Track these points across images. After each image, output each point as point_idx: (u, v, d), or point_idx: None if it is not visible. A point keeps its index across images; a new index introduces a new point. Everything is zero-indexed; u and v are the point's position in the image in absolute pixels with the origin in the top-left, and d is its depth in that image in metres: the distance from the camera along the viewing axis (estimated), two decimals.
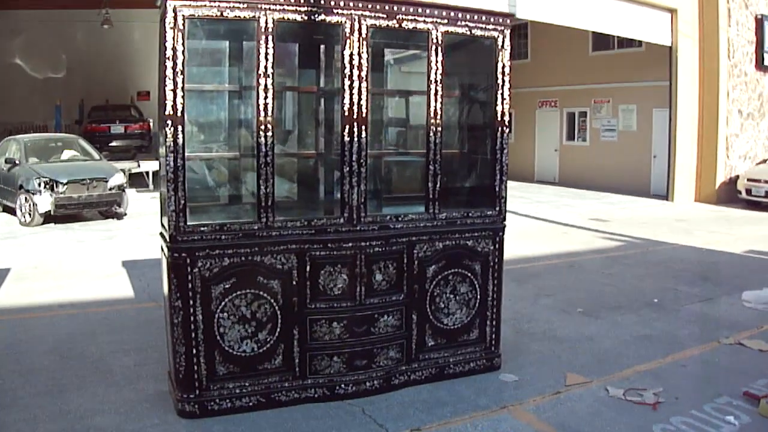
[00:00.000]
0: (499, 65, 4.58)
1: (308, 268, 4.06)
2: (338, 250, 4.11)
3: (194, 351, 3.86)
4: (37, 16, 18.80)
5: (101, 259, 8.90)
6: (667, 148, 16.69)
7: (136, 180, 15.87)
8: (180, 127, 3.67)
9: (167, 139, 3.67)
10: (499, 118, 4.63)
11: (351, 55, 4.04)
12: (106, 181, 11.63)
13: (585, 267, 9.05)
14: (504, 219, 4.79)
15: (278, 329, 4.05)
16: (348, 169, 4.13)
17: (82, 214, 12.33)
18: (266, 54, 3.81)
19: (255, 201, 3.97)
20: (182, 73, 3.64)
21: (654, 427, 4.13)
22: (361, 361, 4.29)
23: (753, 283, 7.85)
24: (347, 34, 4.02)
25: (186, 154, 3.73)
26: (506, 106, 4.64)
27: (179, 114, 3.66)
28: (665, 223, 13.29)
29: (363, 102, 4.11)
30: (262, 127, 3.85)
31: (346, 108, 4.07)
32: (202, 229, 3.81)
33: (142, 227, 11.50)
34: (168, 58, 3.61)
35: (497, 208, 4.74)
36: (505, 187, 4.75)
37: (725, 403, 4.43)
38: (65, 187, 11.19)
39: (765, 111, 17.58)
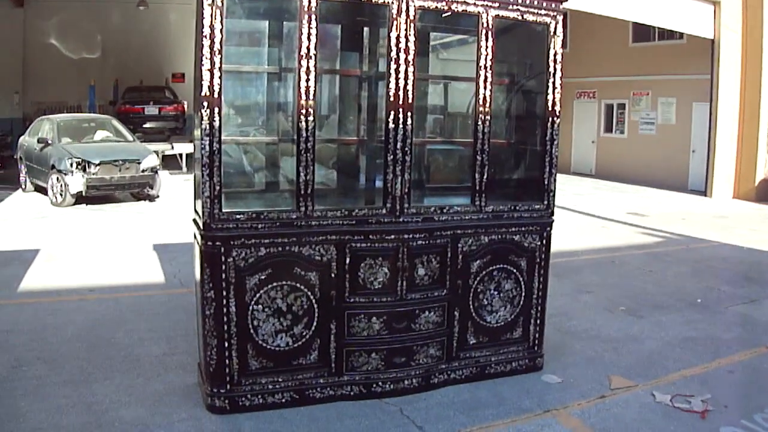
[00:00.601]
0: (551, 52, 4.34)
1: (348, 261, 3.87)
2: (380, 243, 3.92)
3: (226, 344, 3.70)
4: None
5: (132, 242, 8.81)
6: (707, 142, 16.19)
7: (170, 162, 15.84)
8: (217, 109, 3.49)
9: (203, 122, 3.49)
10: (549, 108, 4.39)
11: (398, 37, 3.82)
12: (139, 163, 11.56)
13: (626, 263, 8.76)
14: (552, 214, 4.56)
15: (315, 323, 3.88)
16: (392, 157, 3.92)
17: (114, 196, 12.30)
18: (308, 34, 3.60)
19: (293, 189, 3.78)
20: (220, 52, 3.45)
21: None
22: (399, 359, 4.10)
23: None
24: (394, 15, 3.80)
25: (222, 137, 3.54)
26: (557, 96, 4.39)
27: (216, 95, 3.48)
28: (704, 219, 12.90)
29: (409, 87, 3.89)
30: (303, 111, 3.66)
31: (391, 93, 3.86)
32: (237, 216, 3.64)
33: (174, 210, 11.43)
34: (205, 37, 3.42)
35: (545, 202, 4.51)
36: (555, 180, 4.51)
37: None
38: (97, 167, 11.16)
39: None
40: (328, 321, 3.90)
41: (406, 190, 3.98)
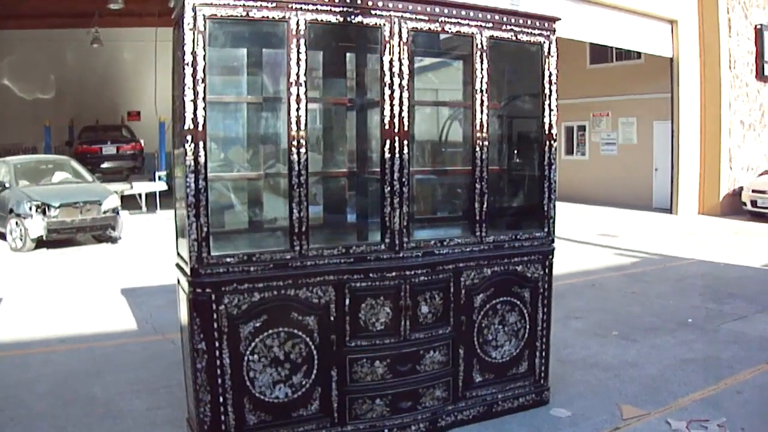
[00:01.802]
0: (546, 73, 4.20)
1: (347, 302, 3.61)
2: (381, 281, 3.66)
3: (221, 399, 3.38)
4: (25, 36, 18.29)
5: (99, 287, 8.38)
6: (670, 160, 16.40)
7: (129, 202, 15.34)
8: (202, 143, 3.22)
9: (187, 158, 3.22)
10: (546, 131, 4.24)
11: (391, 61, 3.62)
12: (100, 204, 11.12)
13: (606, 286, 8.66)
14: (553, 241, 4.38)
15: (314, 371, 3.59)
16: (389, 189, 3.69)
17: (76, 239, 11.80)
18: (297, 60, 3.38)
19: (286, 226, 3.51)
20: (203, 81, 3.19)
21: None
22: (405, 403, 3.83)
23: None
24: (387, 38, 3.60)
25: (208, 174, 3.26)
26: (554, 118, 4.24)
27: (201, 128, 3.21)
28: (674, 236, 12.99)
29: (404, 114, 3.68)
30: (295, 142, 3.41)
31: (386, 121, 3.65)
32: (227, 260, 3.35)
33: (138, 252, 11.00)
34: (187, 65, 3.16)
35: (546, 230, 4.33)
36: (554, 206, 4.34)
37: None
38: (58, 210, 10.69)
39: (766, 122, 17.39)
40: (329, 368, 3.62)
41: (405, 224, 3.75)
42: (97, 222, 11.10)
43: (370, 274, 3.63)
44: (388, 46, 3.60)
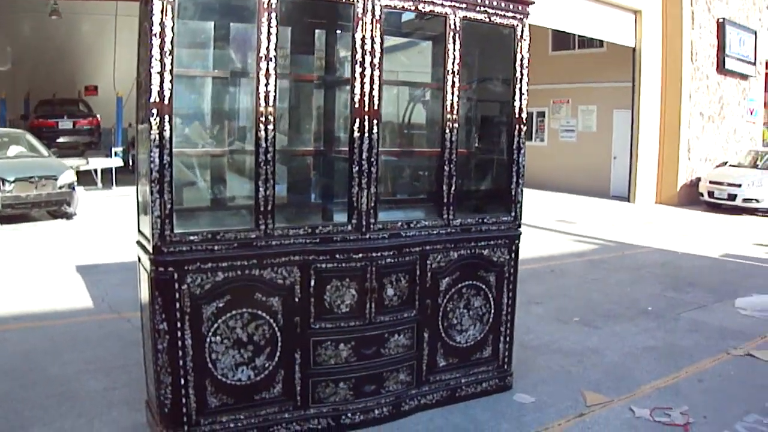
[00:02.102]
0: (518, 57, 4.16)
1: (313, 283, 3.54)
2: (347, 262, 3.60)
3: (182, 381, 3.29)
4: None
5: (54, 264, 8.13)
6: (629, 149, 16.64)
7: (84, 178, 14.94)
8: (167, 118, 3.11)
9: (152, 132, 3.10)
10: (516, 115, 4.21)
11: (363, 39, 3.54)
12: (56, 179, 10.79)
13: (566, 272, 8.75)
14: (519, 225, 4.38)
15: (278, 353, 3.52)
16: (357, 168, 3.62)
17: (30, 214, 11.44)
18: (268, 34, 3.27)
19: (251, 205, 3.42)
20: (171, 54, 3.07)
21: None
22: (369, 387, 3.80)
23: (741, 289, 7.73)
24: (359, 15, 3.51)
25: (173, 149, 3.15)
26: (524, 102, 4.22)
27: (167, 102, 3.09)
28: (632, 225, 13.19)
29: (375, 93, 3.61)
30: (263, 118, 3.31)
31: (356, 99, 3.57)
32: (191, 238, 3.25)
33: (94, 228, 10.73)
34: (155, 35, 3.03)
35: (513, 214, 4.32)
36: (522, 191, 4.33)
37: (755, 422, 4.16)
38: (12, 185, 10.33)
39: (724, 114, 17.76)
40: (293, 350, 3.56)
41: (373, 205, 3.69)
42: (52, 197, 10.77)
43: (337, 255, 3.57)
44: (360, 23, 3.52)
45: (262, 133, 3.32)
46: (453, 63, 3.88)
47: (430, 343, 4.05)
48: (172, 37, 3.05)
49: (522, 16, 4.13)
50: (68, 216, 11.25)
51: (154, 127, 3.09)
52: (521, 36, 4.14)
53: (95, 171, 14.57)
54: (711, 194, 15.57)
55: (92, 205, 12.69)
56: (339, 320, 3.64)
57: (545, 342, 5.67)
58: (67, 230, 10.66)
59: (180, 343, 3.25)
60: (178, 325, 3.24)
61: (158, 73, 3.06)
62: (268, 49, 3.27)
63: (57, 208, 11.09)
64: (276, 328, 3.48)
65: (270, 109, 3.31)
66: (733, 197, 14.89)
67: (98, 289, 7.00)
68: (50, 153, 12.37)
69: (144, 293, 3.45)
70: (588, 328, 6.13)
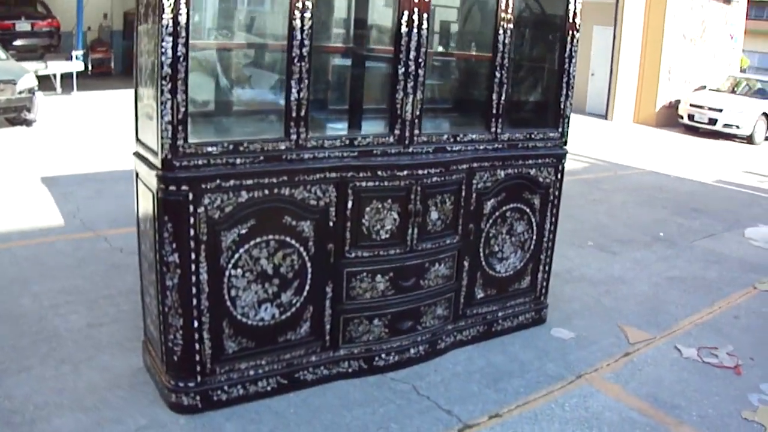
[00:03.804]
0: None
1: (350, 205, 2.97)
2: (390, 180, 3.04)
3: (195, 323, 2.74)
4: None
5: (16, 176, 7.30)
6: (609, 66, 16.09)
7: (43, 83, 13.76)
8: (184, 0, 2.42)
9: (163, 16, 2.41)
10: (570, 20, 3.62)
11: None
12: (15, 84, 9.73)
13: (566, 191, 8.30)
14: (566, 143, 3.85)
15: (307, 287, 2.98)
16: (404, 70, 3.01)
17: None
18: None
19: (279, 109, 2.80)
20: None
21: (750, 397, 3.47)
22: (406, 323, 3.32)
23: (744, 219, 7.55)
24: None
25: (189, 39, 2.48)
26: (579, 6, 3.62)
27: None
28: (616, 143, 12.85)
29: None
30: (299, 4, 2.64)
31: None
32: (209, 149, 2.62)
33: (57, 136, 9.82)
34: None
35: (560, 130, 3.79)
36: (571, 104, 3.78)
37: None
38: None
39: (706, 37, 17.26)
40: (324, 283, 3.02)
41: (418, 114, 3.10)
42: (11, 103, 9.75)
43: (379, 172, 3.00)
44: None
45: (297, 21, 2.66)
46: None
47: (470, 273, 3.57)
48: None
49: None
50: (28, 123, 10.27)
51: (167, 9, 2.40)
52: None
53: (54, 75, 13.40)
54: (691, 117, 15.24)
55: (52, 112, 11.64)
56: (378, 248, 3.11)
57: (567, 268, 5.27)
58: (27, 138, 9.72)
59: (194, 278, 2.68)
60: (193, 256, 2.65)
61: None
62: None
63: (16, 114, 10.09)
64: (306, 258, 2.93)
65: None
66: (713, 122, 14.59)
67: (68, 203, 6.27)
68: (8, 56, 11.19)
69: (145, 216, 2.84)
70: (605, 254, 5.77)
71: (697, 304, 4.74)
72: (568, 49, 3.66)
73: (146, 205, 2.82)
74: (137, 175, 2.97)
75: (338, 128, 3.39)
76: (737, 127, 14.30)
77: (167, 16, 2.43)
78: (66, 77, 13.59)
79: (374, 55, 3.38)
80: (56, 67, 13.13)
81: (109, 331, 3.68)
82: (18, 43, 14.43)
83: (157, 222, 2.65)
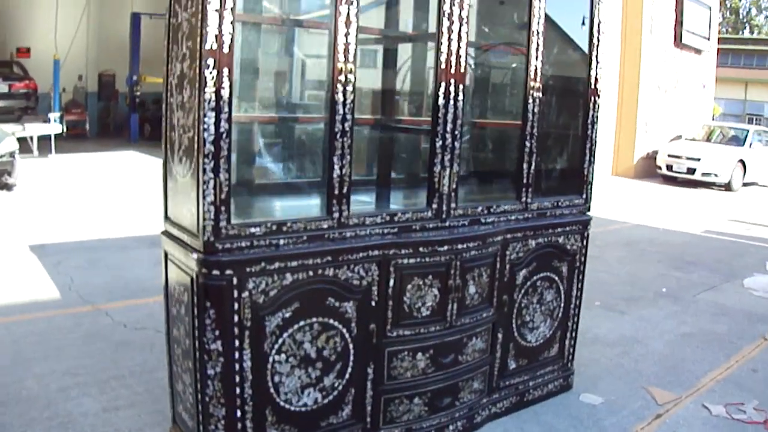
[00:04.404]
0: (595, 21, 3.59)
1: (392, 283, 2.89)
2: (431, 256, 2.97)
3: (239, 413, 2.60)
4: None
5: (2, 244, 7.08)
6: None
7: (19, 145, 13.58)
8: (227, 71, 2.37)
9: (205, 92, 2.35)
10: (591, 86, 3.65)
11: None
12: None
13: None
14: (590, 209, 3.85)
15: (349, 370, 2.87)
16: (441, 143, 2.98)
17: None
18: None
19: (319, 187, 2.73)
20: None
21: None
22: (445, 400, 3.21)
23: (739, 269, 7.62)
24: None
25: (233, 113, 2.42)
26: (600, 72, 3.65)
27: (227, 50, 2.35)
28: (599, 197, 12.91)
29: (462, 53, 2.96)
30: (341, 77, 2.61)
31: (442, 59, 2.91)
32: (252, 230, 2.53)
33: (38, 201, 9.61)
34: None
35: (584, 196, 3.78)
36: (593, 169, 3.79)
37: None
38: None
39: (680, 88, 17.79)
40: (365, 364, 2.91)
41: (454, 187, 3.06)
42: None
43: (420, 249, 2.93)
44: None
45: (340, 95, 2.62)
46: (538, 22, 3.26)
47: (503, 345, 3.50)
48: None
49: None
50: (8, 187, 10.05)
51: (210, 83, 2.34)
52: None
53: (31, 138, 13.23)
54: (669, 167, 15.57)
55: (31, 175, 11.45)
56: (419, 325, 3.01)
57: (580, 330, 5.15)
58: (8, 203, 9.50)
59: (237, 366, 2.55)
60: (236, 343, 2.53)
61: (216, 11, 2.30)
62: None
63: None
64: (348, 340, 2.83)
65: (350, 66, 2.61)
66: (692, 171, 14.92)
67: (61, 274, 6.07)
68: None
69: (179, 301, 2.71)
70: (613, 313, 5.75)
71: (713, 360, 4.73)
72: (590, 115, 3.69)
73: (181, 289, 2.70)
74: (167, 255, 2.86)
75: (365, 201, 3.33)
76: (715, 175, 14.63)
77: (210, 89, 2.36)
78: (42, 139, 13.45)
79: (399, 127, 3.35)
80: (34, 129, 13.01)
81: (126, 416, 3.50)
82: None
83: (197, 308, 2.53)
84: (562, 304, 3.78)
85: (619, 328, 5.35)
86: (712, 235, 9.84)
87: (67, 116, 16.26)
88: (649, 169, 16.48)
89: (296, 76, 3.19)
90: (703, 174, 14.74)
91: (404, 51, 3.44)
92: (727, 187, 14.81)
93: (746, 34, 44.01)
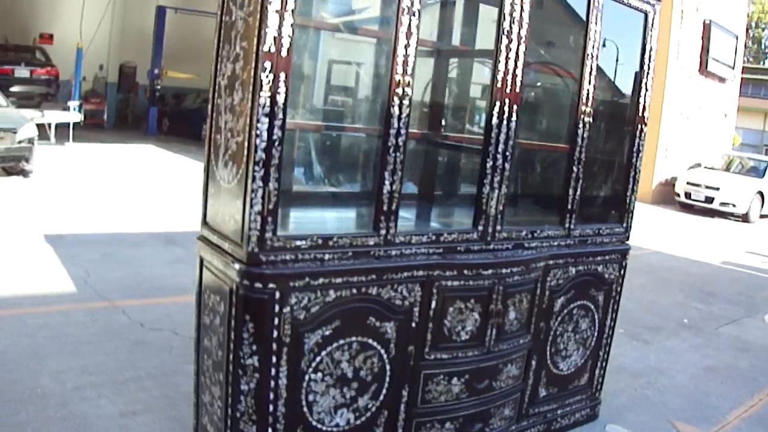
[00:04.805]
0: (647, 47, 3.51)
1: (434, 305, 2.79)
2: (475, 279, 2.87)
3: (270, 430, 2.50)
4: None
5: (19, 232, 7.02)
6: None
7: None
8: (284, 76, 2.28)
9: (260, 96, 2.26)
10: (639, 113, 3.56)
11: (512, 3, 2.78)
12: (15, 132, 9.50)
13: None
14: (629, 238, 3.75)
15: (384, 391, 2.77)
16: (491, 163, 2.88)
17: None
18: None
19: (366, 201, 2.65)
20: None
21: None
22: (476, 426, 3.11)
23: (758, 302, 7.57)
24: None
25: (287, 120, 2.33)
26: (648, 99, 3.57)
27: (285, 54, 2.26)
28: None
29: (518, 72, 2.87)
30: (399, 90, 2.52)
31: (499, 77, 2.82)
32: (297, 243, 2.44)
33: (56, 189, 9.57)
34: None
35: (625, 225, 3.68)
36: (635, 198, 3.70)
37: None
38: None
39: (701, 115, 17.66)
40: (401, 386, 2.82)
41: (501, 209, 2.97)
42: (10, 152, 9.49)
43: (465, 271, 2.83)
44: None
45: (396, 109, 2.53)
46: (593, 46, 3.18)
47: (536, 372, 3.40)
48: None
49: (655, 2, 3.49)
50: (25, 173, 10.00)
51: (265, 87, 2.25)
52: (652, 24, 3.50)
53: (49, 125, 13.20)
54: (688, 195, 15.42)
55: (47, 162, 11.42)
56: (457, 350, 2.92)
57: None
58: (25, 190, 9.45)
59: (273, 383, 2.46)
60: (274, 359, 2.44)
61: (277, 12, 2.21)
62: (412, 0, 2.47)
63: (14, 164, 9.82)
64: (386, 361, 2.73)
65: (408, 78, 2.53)
66: (710, 200, 14.78)
67: (76, 266, 6.01)
68: (9, 103, 10.97)
69: (214, 310, 2.62)
70: (638, 342, 5.65)
71: (738, 397, 4.64)
72: (637, 143, 3.60)
73: (216, 299, 2.61)
74: (202, 261, 2.77)
75: (405, 217, 3.23)
76: (733, 205, 14.49)
77: (265, 94, 2.27)
78: (60, 127, 13.42)
79: (448, 143, 3.27)
80: (53, 116, 12.99)
81: (144, 422, 3.41)
82: (15, 89, 14.26)
83: (234, 320, 2.44)
84: (596, 334, 3.68)
85: (644, 358, 5.26)
86: (731, 267, 9.71)
87: (86, 105, 16.27)
88: (666, 195, 16.34)
89: (345, 84, 3.10)
90: (722, 204, 14.60)
91: (452, 65, 3.35)
92: (745, 218, 14.66)
93: (767, 64, 43.91)
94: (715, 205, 14.69)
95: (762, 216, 15.21)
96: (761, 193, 14.80)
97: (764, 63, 43.83)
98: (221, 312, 2.55)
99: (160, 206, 9.22)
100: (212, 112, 2.67)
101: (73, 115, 13.52)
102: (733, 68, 18.09)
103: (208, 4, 18.89)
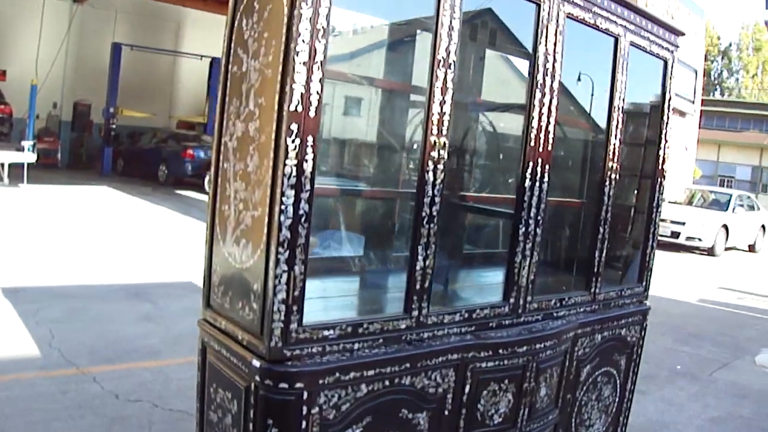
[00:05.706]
0: (666, 96, 3.37)
1: (468, 389, 2.53)
2: (510, 358, 2.62)
3: None
4: None
5: None
6: None
7: None
8: (311, 140, 2.00)
9: (287, 162, 1.98)
10: (660, 166, 3.41)
11: (546, 54, 2.58)
12: None
13: None
14: (647, 297, 3.57)
15: None
16: (524, 229, 2.65)
17: None
18: (450, 30, 2.25)
19: (395, 281, 2.38)
20: (324, 38, 1.97)
21: None
22: None
23: (742, 342, 7.53)
24: (545, 21, 2.55)
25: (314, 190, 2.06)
26: (668, 151, 3.42)
27: (313, 114, 1.99)
28: None
29: (551, 128, 2.67)
30: (433, 153, 2.28)
31: (532, 135, 2.61)
32: (325, 333, 2.15)
33: (10, 235, 9.02)
34: (305, 3, 1.93)
35: (644, 283, 3.51)
36: (654, 255, 3.52)
37: None
38: None
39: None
40: None
41: (533, 278, 2.73)
42: None
43: (500, 350, 2.58)
44: (545, 33, 2.56)
45: (430, 175, 2.28)
46: (620, 97, 3.01)
47: None
48: (328, 14, 1.96)
49: (674, 49, 3.39)
50: None
51: (291, 153, 1.97)
52: (671, 72, 3.37)
53: (2, 165, 12.59)
54: None
55: (1, 206, 10.84)
56: None
57: None
58: None
59: None
60: None
61: (304, 63, 1.94)
62: (448, 51, 2.24)
63: None
64: None
65: (443, 140, 2.29)
66: (676, 235, 14.89)
67: (39, 326, 5.54)
68: None
69: (224, 408, 2.29)
70: (637, 394, 5.43)
71: None
72: (656, 197, 3.42)
73: (227, 395, 2.29)
74: (205, 349, 2.45)
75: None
76: (699, 239, 14.63)
77: (291, 162, 1.98)
78: (13, 167, 12.85)
79: (471, 206, 3.04)
80: (6, 156, 12.40)
81: None
82: None
83: (253, 424, 2.12)
84: (617, 399, 3.48)
85: (644, 411, 5.07)
86: (708, 305, 9.73)
87: (39, 144, 15.66)
88: None
89: (367, 143, 2.84)
90: (688, 238, 14.73)
91: (465, 119, 3.13)
92: (710, 251, 14.82)
93: (716, 95, 45.40)
94: (681, 240, 14.81)
95: (726, 248, 15.42)
96: (726, 226, 15.02)
97: (713, 95, 45.37)
98: (233, 411, 2.24)
99: (122, 255, 8.77)
100: (216, 177, 2.38)
101: (27, 155, 12.96)
102: (693, 102, 18.51)
103: (165, 42, 18.58)
